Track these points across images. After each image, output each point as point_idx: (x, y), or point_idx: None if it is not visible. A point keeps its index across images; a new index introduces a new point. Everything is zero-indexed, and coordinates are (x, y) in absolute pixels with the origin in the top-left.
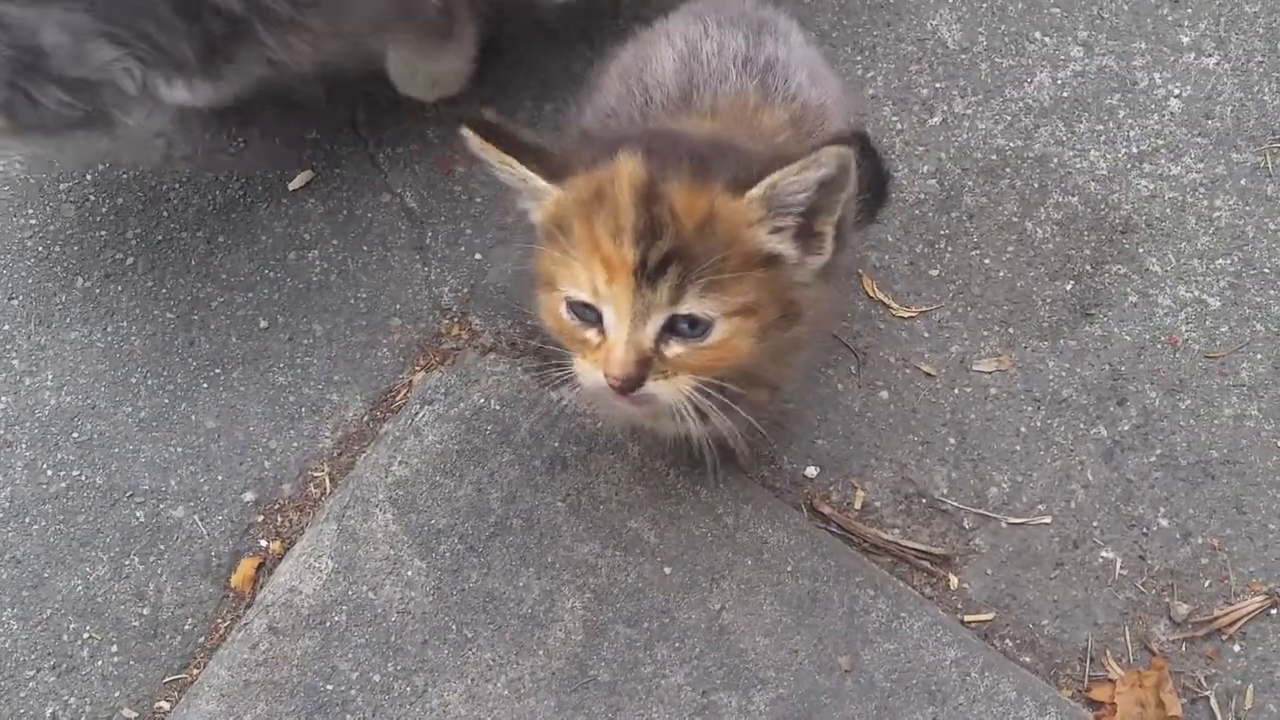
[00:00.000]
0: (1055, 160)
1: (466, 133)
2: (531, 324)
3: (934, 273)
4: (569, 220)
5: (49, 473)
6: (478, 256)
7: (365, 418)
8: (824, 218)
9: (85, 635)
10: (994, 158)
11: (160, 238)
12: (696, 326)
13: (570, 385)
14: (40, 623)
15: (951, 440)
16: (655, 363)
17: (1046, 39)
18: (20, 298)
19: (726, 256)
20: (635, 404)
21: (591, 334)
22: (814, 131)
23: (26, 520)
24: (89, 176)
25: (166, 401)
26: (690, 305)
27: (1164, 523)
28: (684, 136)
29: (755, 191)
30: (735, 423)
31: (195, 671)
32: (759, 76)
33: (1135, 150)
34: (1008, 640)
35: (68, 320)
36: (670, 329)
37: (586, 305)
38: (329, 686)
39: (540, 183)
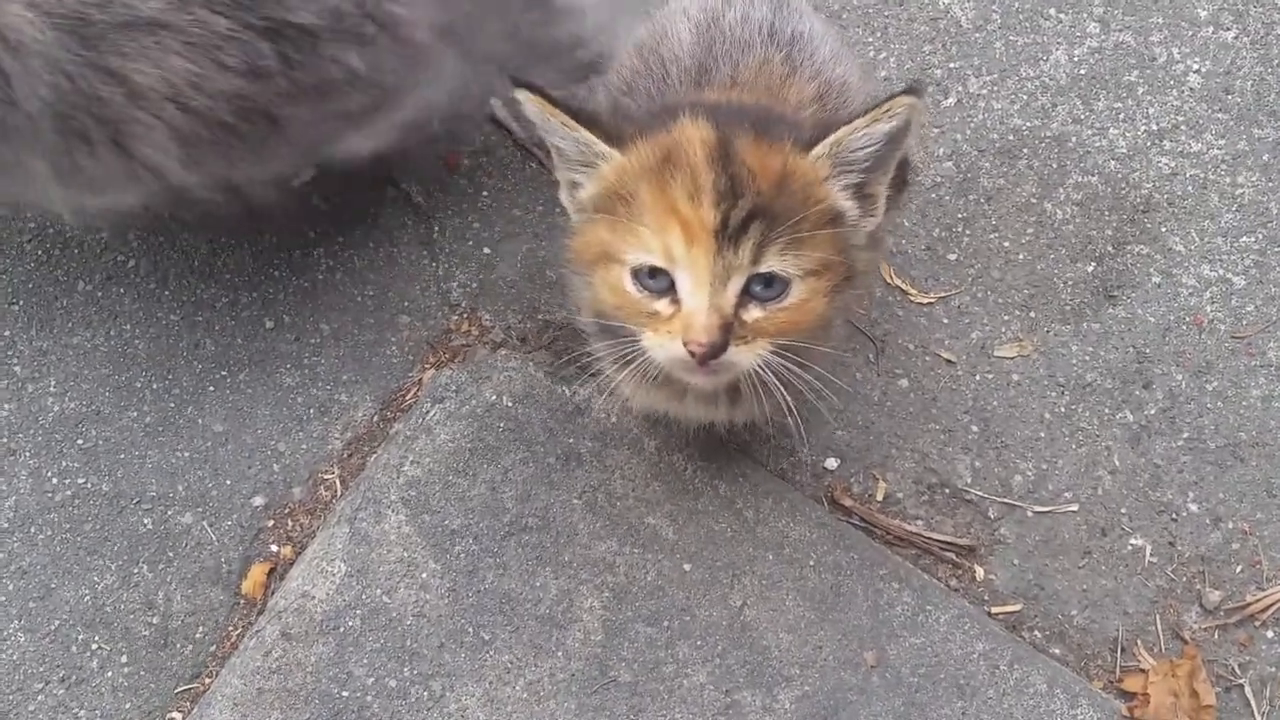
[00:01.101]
0: (1074, 139)
1: (524, 95)
2: (544, 318)
3: (952, 257)
4: (634, 187)
5: (54, 481)
6: (486, 250)
7: (375, 418)
8: (878, 177)
9: (94, 646)
10: (1011, 138)
11: (162, 239)
12: (772, 287)
13: (605, 372)
14: (48, 634)
15: (974, 428)
16: (736, 327)
17: (1062, 15)
18: (21, 302)
19: (805, 215)
20: (712, 373)
21: (662, 304)
22: (838, 109)
23: (32, 530)
24: None
25: (172, 405)
26: (772, 263)
27: (1193, 508)
28: (736, 103)
29: (821, 149)
30: (793, 397)
31: (207, 681)
32: (786, 48)
33: (1155, 127)
34: (1036, 632)
35: (70, 324)
36: (746, 292)
37: (657, 272)
38: (344, 693)
39: (602, 146)
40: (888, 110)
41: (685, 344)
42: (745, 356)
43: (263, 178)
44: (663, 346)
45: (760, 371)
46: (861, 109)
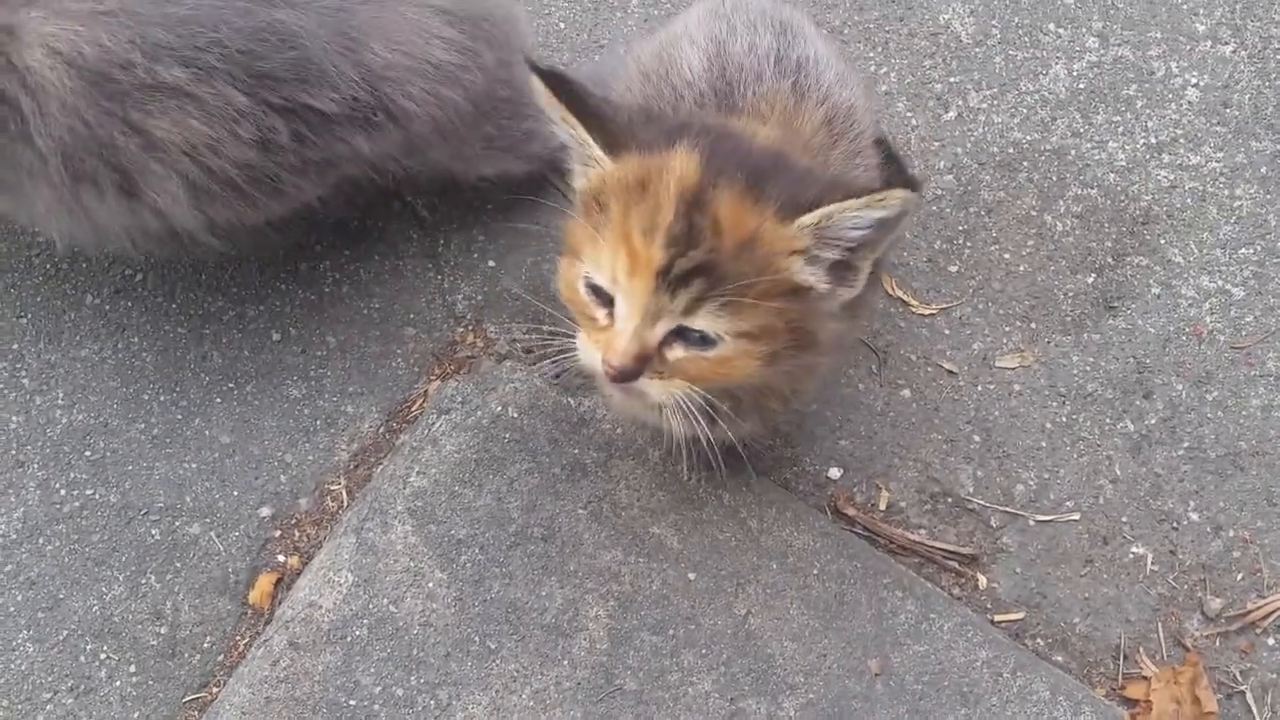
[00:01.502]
0: (1073, 152)
1: (536, 84)
2: (550, 330)
3: (953, 269)
4: (608, 199)
5: (62, 492)
6: (491, 263)
7: (381, 429)
8: (865, 253)
9: (103, 656)
10: (1011, 151)
11: (168, 251)
12: (702, 338)
13: (559, 360)
14: (57, 644)
15: (976, 438)
16: (655, 361)
17: (1061, 30)
18: (29, 315)
19: (755, 283)
20: (624, 393)
21: (601, 315)
22: (845, 134)
23: (40, 541)
24: None
25: (179, 417)
26: (702, 322)
27: (1194, 516)
28: (747, 146)
29: (808, 219)
30: (731, 430)
31: (215, 690)
32: (792, 76)
33: (1154, 140)
34: (1039, 639)
35: (78, 337)
36: (678, 334)
37: (602, 288)
38: (351, 702)
39: (596, 151)
40: (882, 200)
41: (602, 360)
42: (657, 390)
43: (259, 222)
44: (585, 351)
45: (676, 406)
46: (859, 190)
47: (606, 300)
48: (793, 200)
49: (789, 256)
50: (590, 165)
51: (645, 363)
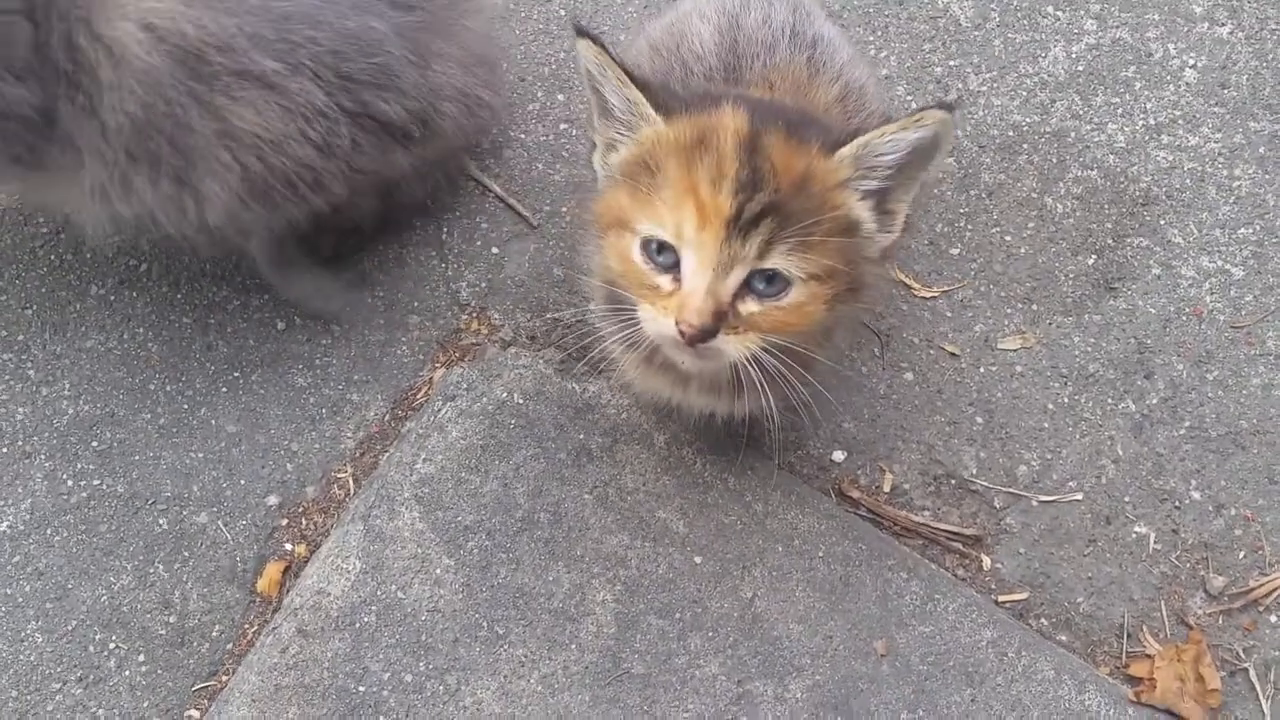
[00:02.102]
0: (1073, 134)
1: (585, 45)
2: (553, 316)
3: (955, 252)
4: (662, 160)
5: (69, 483)
6: (495, 250)
7: (387, 416)
8: (900, 193)
9: (111, 645)
10: (1011, 134)
11: (174, 243)
12: (773, 285)
13: (611, 354)
14: (65, 635)
15: (979, 420)
16: (729, 317)
17: (1059, 13)
18: (35, 307)
19: (819, 219)
20: (699, 356)
21: (664, 280)
22: (857, 113)
23: (49, 532)
24: None
25: (186, 407)
26: (776, 261)
27: (1196, 495)
28: (776, 102)
29: (848, 149)
30: (776, 396)
31: (224, 678)
32: (808, 50)
33: (1153, 122)
34: (1043, 619)
35: (83, 328)
36: (746, 285)
37: (664, 248)
38: (361, 688)
39: (649, 110)
40: (919, 120)
41: (677, 323)
42: (733, 347)
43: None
44: (655, 321)
45: (747, 364)
46: (895, 116)
47: (667, 264)
48: (832, 137)
49: (840, 191)
50: (639, 129)
51: (721, 319)
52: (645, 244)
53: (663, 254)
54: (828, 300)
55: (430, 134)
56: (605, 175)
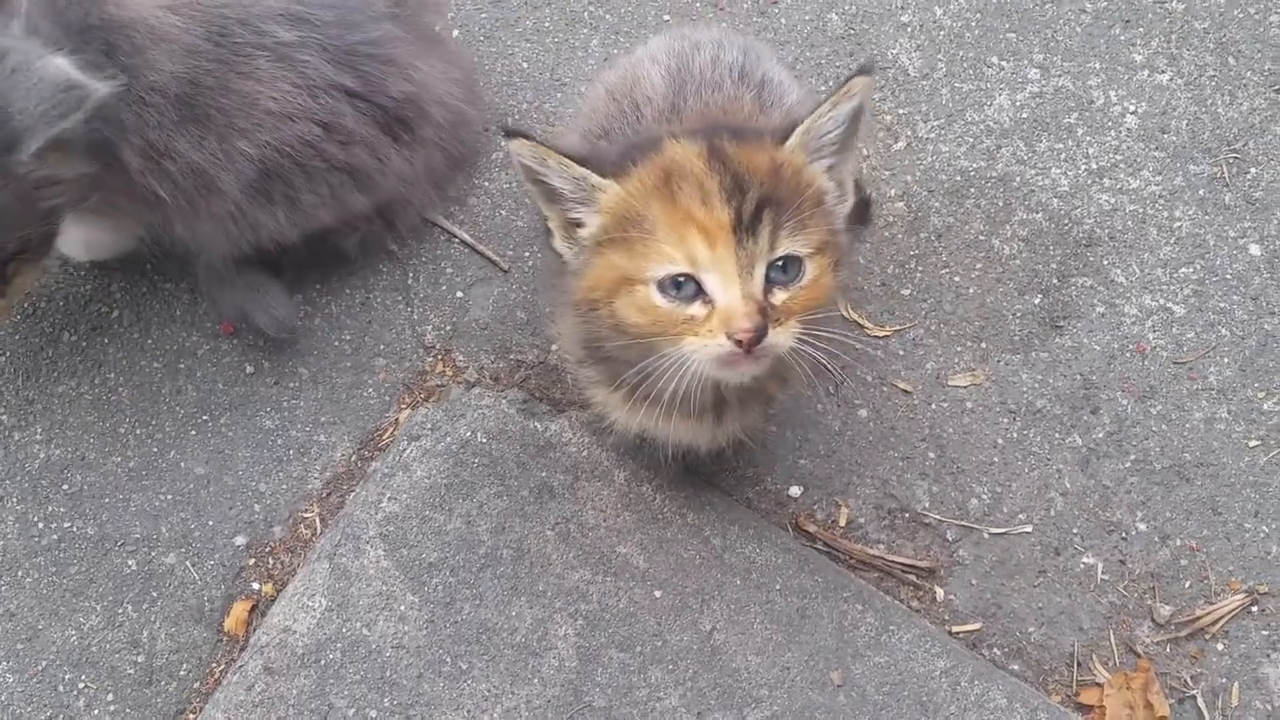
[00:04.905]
0: (1018, 179)
1: (519, 144)
2: (515, 358)
3: (906, 292)
4: (643, 208)
5: (40, 525)
6: (459, 294)
7: (353, 457)
8: (844, 164)
9: (81, 685)
10: (959, 179)
11: (145, 289)
12: (789, 270)
13: (594, 397)
14: (36, 675)
15: (931, 454)
16: (770, 311)
17: (1004, 63)
18: (7, 353)
19: (802, 199)
20: (755, 361)
21: (695, 308)
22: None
23: (19, 573)
24: None
25: (155, 450)
26: (787, 246)
27: (1142, 526)
28: (710, 120)
29: (795, 138)
30: (741, 422)
31: (192, 717)
32: (756, 89)
33: (1095, 166)
34: (995, 649)
35: (55, 374)
36: (767, 279)
37: (683, 281)
38: None
39: (598, 179)
40: (847, 91)
41: (730, 335)
42: (783, 337)
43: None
44: (705, 347)
45: (795, 351)
46: (822, 98)
47: (690, 294)
48: (779, 132)
49: (807, 169)
50: (596, 199)
51: (766, 315)
52: (662, 285)
53: (682, 287)
54: (831, 269)
55: (417, 140)
56: (576, 252)
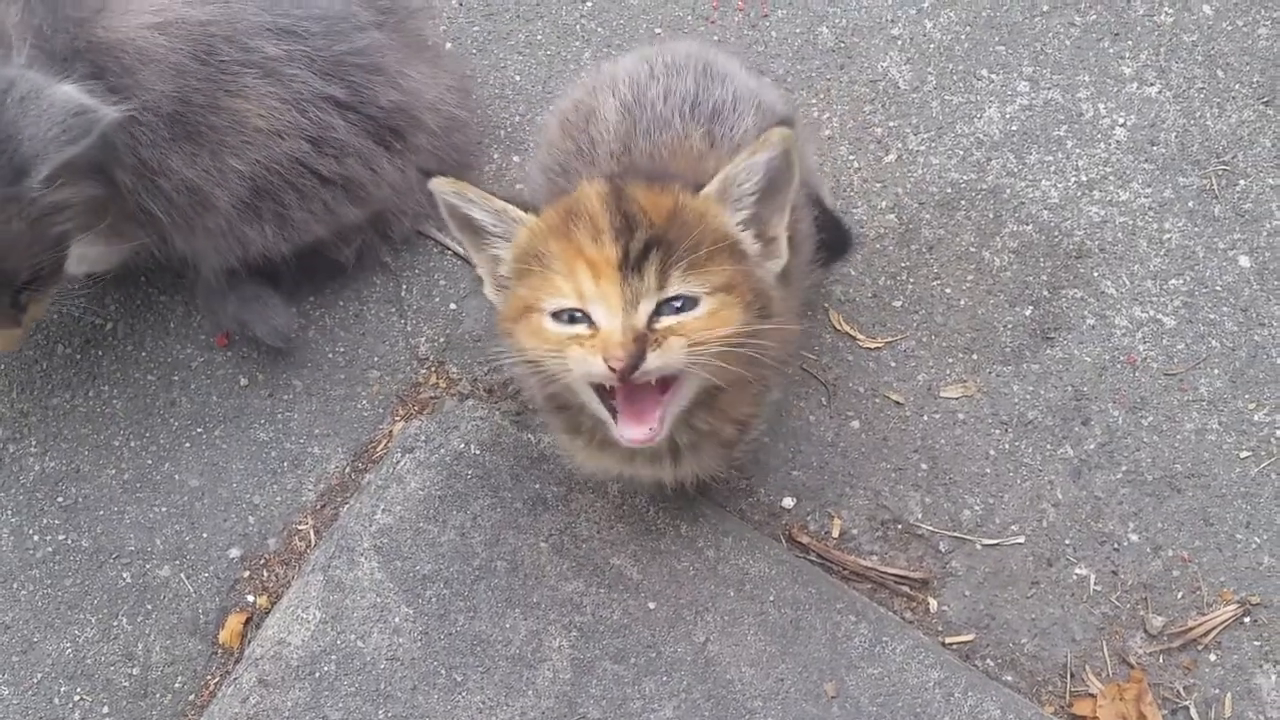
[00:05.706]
0: (1008, 191)
1: (440, 183)
2: (509, 371)
3: (897, 304)
4: (544, 244)
5: (35, 538)
6: (453, 306)
7: (347, 469)
8: (775, 220)
9: (76, 698)
10: (949, 191)
11: (139, 302)
12: (683, 304)
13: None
14: (31, 687)
15: (923, 466)
16: (650, 338)
17: (994, 76)
18: (2, 366)
19: (699, 240)
20: (645, 411)
21: (581, 328)
22: None
23: (14, 586)
24: None
25: (150, 462)
26: (677, 287)
27: (1134, 537)
28: (630, 167)
29: (710, 187)
30: (696, 465)
31: None
32: (706, 124)
33: (1085, 178)
34: (989, 660)
35: (50, 386)
36: (658, 313)
37: (573, 316)
38: None
39: (517, 211)
40: (763, 141)
41: (605, 361)
42: (667, 357)
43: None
44: (584, 360)
45: (690, 365)
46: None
47: (580, 320)
48: (691, 181)
49: (712, 215)
50: (514, 234)
51: (643, 342)
52: (556, 316)
53: (574, 321)
54: (741, 306)
55: (410, 148)
56: (500, 296)
